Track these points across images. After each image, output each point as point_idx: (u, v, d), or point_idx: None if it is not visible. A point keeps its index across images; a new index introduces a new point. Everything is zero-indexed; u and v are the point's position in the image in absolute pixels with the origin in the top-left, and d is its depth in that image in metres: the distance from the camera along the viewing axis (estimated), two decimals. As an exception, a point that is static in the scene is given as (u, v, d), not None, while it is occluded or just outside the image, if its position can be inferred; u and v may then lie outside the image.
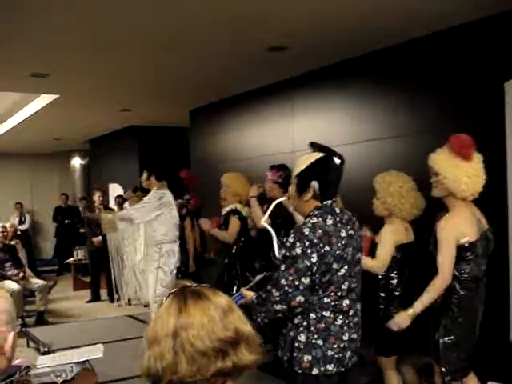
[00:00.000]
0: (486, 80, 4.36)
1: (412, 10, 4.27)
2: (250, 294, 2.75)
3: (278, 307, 2.53)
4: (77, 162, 14.23)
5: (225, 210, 5.46)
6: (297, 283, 2.48)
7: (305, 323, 2.57)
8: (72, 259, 10.72)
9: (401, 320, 3.37)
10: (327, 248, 2.50)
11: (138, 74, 6.42)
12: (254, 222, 5.16)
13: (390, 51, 5.24)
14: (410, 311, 3.32)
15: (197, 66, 6.02)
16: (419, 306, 3.30)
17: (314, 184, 2.61)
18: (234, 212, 5.32)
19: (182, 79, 6.64)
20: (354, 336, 2.66)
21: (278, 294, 2.52)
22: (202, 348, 1.23)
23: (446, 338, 3.30)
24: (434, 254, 3.34)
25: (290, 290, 2.49)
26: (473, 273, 3.27)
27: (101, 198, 9.32)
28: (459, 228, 3.26)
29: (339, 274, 2.56)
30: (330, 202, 2.65)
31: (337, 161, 2.66)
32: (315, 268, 2.48)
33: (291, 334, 2.61)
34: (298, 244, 2.50)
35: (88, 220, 9.35)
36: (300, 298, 2.51)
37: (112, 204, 10.32)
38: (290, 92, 6.58)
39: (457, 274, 3.28)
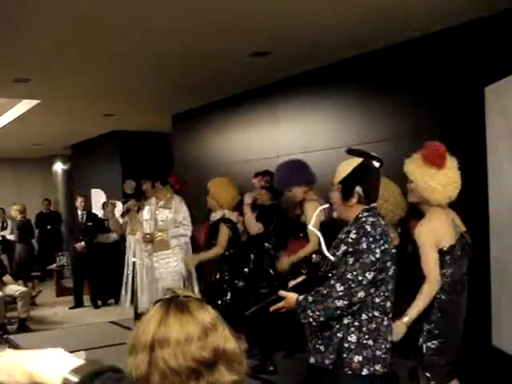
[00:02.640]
0: (467, 85, 4.41)
1: (390, 16, 4.30)
2: (293, 296, 2.67)
3: (340, 303, 2.53)
4: (59, 167, 14.11)
5: (214, 217, 5.41)
6: (360, 278, 2.52)
7: (356, 323, 2.60)
8: (55, 265, 10.61)
9: (400, 330, 3.15)
10: (386, 246, 2.59)
11: (121, 80, 6.39)
12: (247, 227, 5.21)
13: (372, 56, 5.27)
14: (406, 319, 3.15)
15: (180, 71, 6.01)
16: (415, 312, 3.17)
17: (358, 189, 2.69)
18: (224, 220, 5.28)
19: (165, 84, 6.62)
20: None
21: (341, 288, 2.52)
22: (175, 366, 1.21)
23: (429, 343, 3.29)
24: (416, 256, 3.30)
25: (353, 285, 2.52)
26: (454, 276, 3.28)
27: (83, 204, 9.28)
28: (437, 232, 3.26)
29: (389, 273, 2.64)
30: (376, 204, 2.76)
31: (376, 164, 2.74)
32: (378, 264, 2.55)
33: (339, 334, 2.61)
34: (363, 239, 2.56)
35: (70, 225, 9.21)
36: (361, 294, 2.54)
37: (94, 209, 10.25)
38: (273, 97, 6.58)
39: (438, 278, 3.27)
